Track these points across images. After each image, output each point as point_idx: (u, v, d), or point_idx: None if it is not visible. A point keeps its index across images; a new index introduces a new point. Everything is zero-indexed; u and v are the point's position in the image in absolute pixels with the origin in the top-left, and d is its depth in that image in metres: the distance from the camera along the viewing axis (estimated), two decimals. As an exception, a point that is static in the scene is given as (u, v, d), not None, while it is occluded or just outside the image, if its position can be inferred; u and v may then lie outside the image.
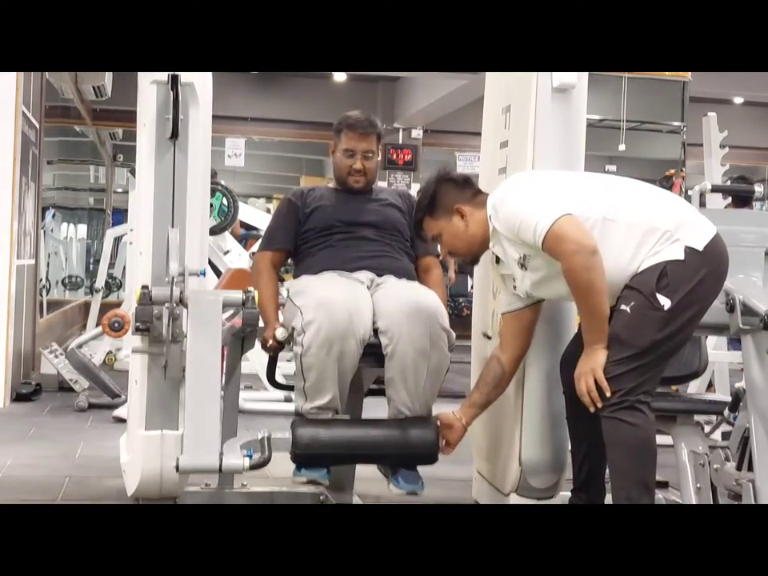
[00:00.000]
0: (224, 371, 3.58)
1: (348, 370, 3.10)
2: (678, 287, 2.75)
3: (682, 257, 2.78)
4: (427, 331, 3.09)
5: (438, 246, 3.49)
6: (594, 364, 2.76)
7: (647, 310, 2.75)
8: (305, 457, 3.06)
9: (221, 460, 2.84)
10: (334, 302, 3.09)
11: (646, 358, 2.75)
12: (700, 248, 2.79)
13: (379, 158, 3.60)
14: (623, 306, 2.78)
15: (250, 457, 2.91)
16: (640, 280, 2.79)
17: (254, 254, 6.51)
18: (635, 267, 2.80)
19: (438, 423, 3.13)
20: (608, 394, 2.74)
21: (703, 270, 2.79)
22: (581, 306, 2.84)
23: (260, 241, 3.81)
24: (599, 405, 2.76)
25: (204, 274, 3.30)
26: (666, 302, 2.74)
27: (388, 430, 3.13)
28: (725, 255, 2.86)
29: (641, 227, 2.81)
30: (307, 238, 3.48)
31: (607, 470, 2.95)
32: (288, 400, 6.05)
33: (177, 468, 2.84)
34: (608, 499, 3.02)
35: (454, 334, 3.19)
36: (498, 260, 3.07)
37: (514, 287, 3.03)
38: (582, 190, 2.93)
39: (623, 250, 2.80)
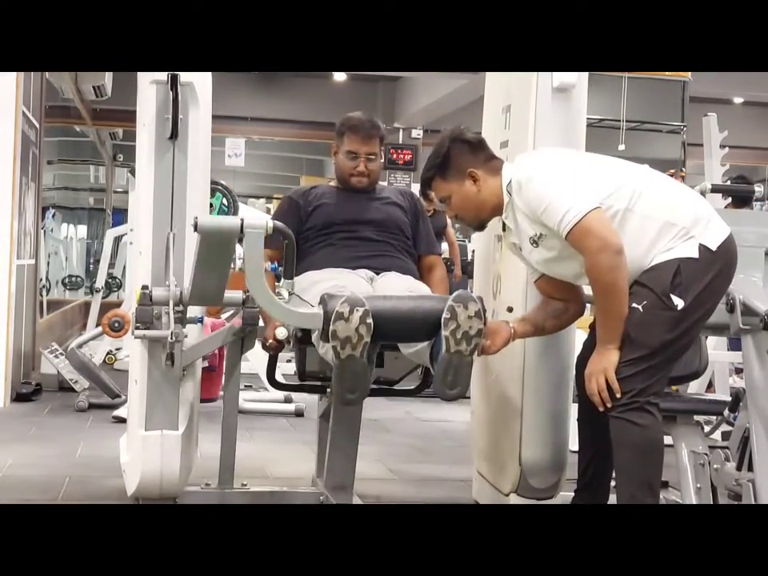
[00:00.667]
0: (224, 371, 3.59)
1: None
2: (690, 287, 2.73)
3: (696, 255, 2.75)
4: None
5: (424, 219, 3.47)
6: (606, 363, 2.74)
7: (660, 310, 2.73)
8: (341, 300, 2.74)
9: (242, 220, 2.67)
10: (340, 289, 3.10)
11: (656, 359, 2.73)
12: (713, 247, 2.77)
13: (382, 159, 3.61)
14: (635, 304, 2.74)
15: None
16: (652, 276, 2.76)
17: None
18: (648, 261, 2.77)
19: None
20: (618, 395, 2.72)
21: (714, 270, 2.77)
22: (599, 304, 2.81)
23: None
24: (609, 405, 2.74)
25: (202, 320, 3.28)
26: (679, 303, 2.72)
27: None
28: (735, 256, 2.84)
29: (657, 221, 2.78)
30: (308, 237, 3.48)
31: (613, 471, 2.94)
32: (288, 400, 6.06)
33: (195, 227, 2.71)
34: (611, 501, 3.01)
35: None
36: (504, 227, 3.01)
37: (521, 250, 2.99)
38: (608, 177, 2.87)
39: (638, 242, 2.76)
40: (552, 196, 2.77)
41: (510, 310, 3.39)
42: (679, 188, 3.00)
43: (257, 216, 2.67)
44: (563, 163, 2.93)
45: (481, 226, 3.10)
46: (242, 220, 2.67)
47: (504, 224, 2.99)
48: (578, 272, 2.83)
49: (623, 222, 2.77)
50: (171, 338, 2.97)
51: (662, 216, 2.79)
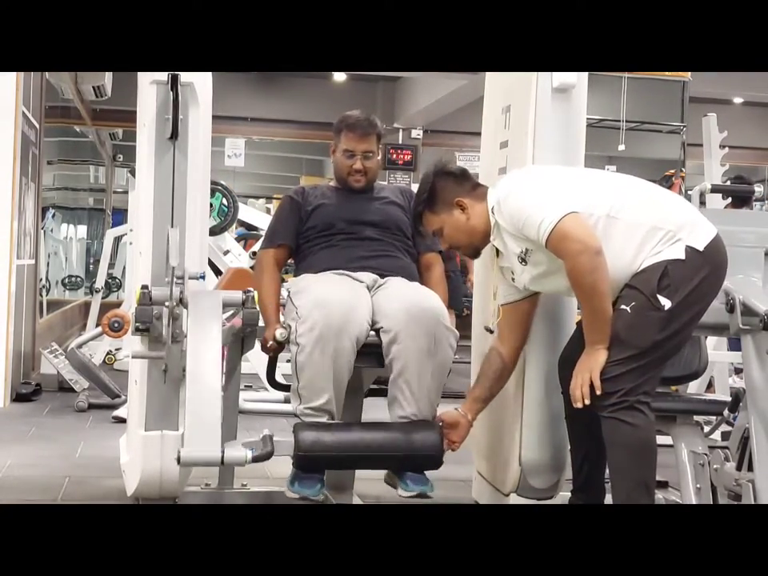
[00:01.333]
0: (224, 371, 3.59)
1: (344, 371, 3.07)
2: (678, 288, 2.76)
3: (683, 256, 2.78)
4: (430, 331, 3.09)
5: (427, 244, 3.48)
6: (593, 364, 2.77)
7: (648, 311, 2.75)
8: (307, 460, 3.00)
9: (223, 452, 2.78)
10: (330, 301, 3.08)
11: (646, 359, 2.75)
12: (701, 248, 2.79)
13: (379, 157, 3.60)
14: (623, 306, 2.78)
15: (253, 451, 2.89)
16: (641, 279, 2.79)
17: (254, 253, 6.53)
18: (636, 266, 2.80)
19: (442, 423, 3.11)
20: (598, 392, 2.74)
21: (704, 271, 2.79)
22: (584, 306, 2.84)
23: (261, 240, 3.81)
24: (587, 401, 2.77)
25: (203, 277, 3.28)
26: (666, 303, 2.74)
27: (392, 433, 3.08)
28: (725, 256, 2.86)
29: (643, 226, 2.81)
30: (309, 237, 3.47)
31: (607, 471, 2.96)
32: (288, 401, 6.05)
33: (178, 460, 2.79)
34: (608, 500, 3.02)
35: (457, 333, 3.18)
36: (497, 252, 3.06)
37: (513, 279, 3.03)
38: (587, 187, 2.93)
39: (625, 248, 2.80)
40: (529, 208, 2.83)
41: (490, 331, 3.40)
42: (663, 194, 3.04)
43: (236, 450, 2.82)
44: (540, 177, 2.98)
45: (476, 253, 3.18)
46: (223, 453, 2.80)
47: (497, 249, 3.03)
48: (570, 285, 2.85)
49: (607, 229, 2.81)
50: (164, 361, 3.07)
51: (648, 221, 2.83)
